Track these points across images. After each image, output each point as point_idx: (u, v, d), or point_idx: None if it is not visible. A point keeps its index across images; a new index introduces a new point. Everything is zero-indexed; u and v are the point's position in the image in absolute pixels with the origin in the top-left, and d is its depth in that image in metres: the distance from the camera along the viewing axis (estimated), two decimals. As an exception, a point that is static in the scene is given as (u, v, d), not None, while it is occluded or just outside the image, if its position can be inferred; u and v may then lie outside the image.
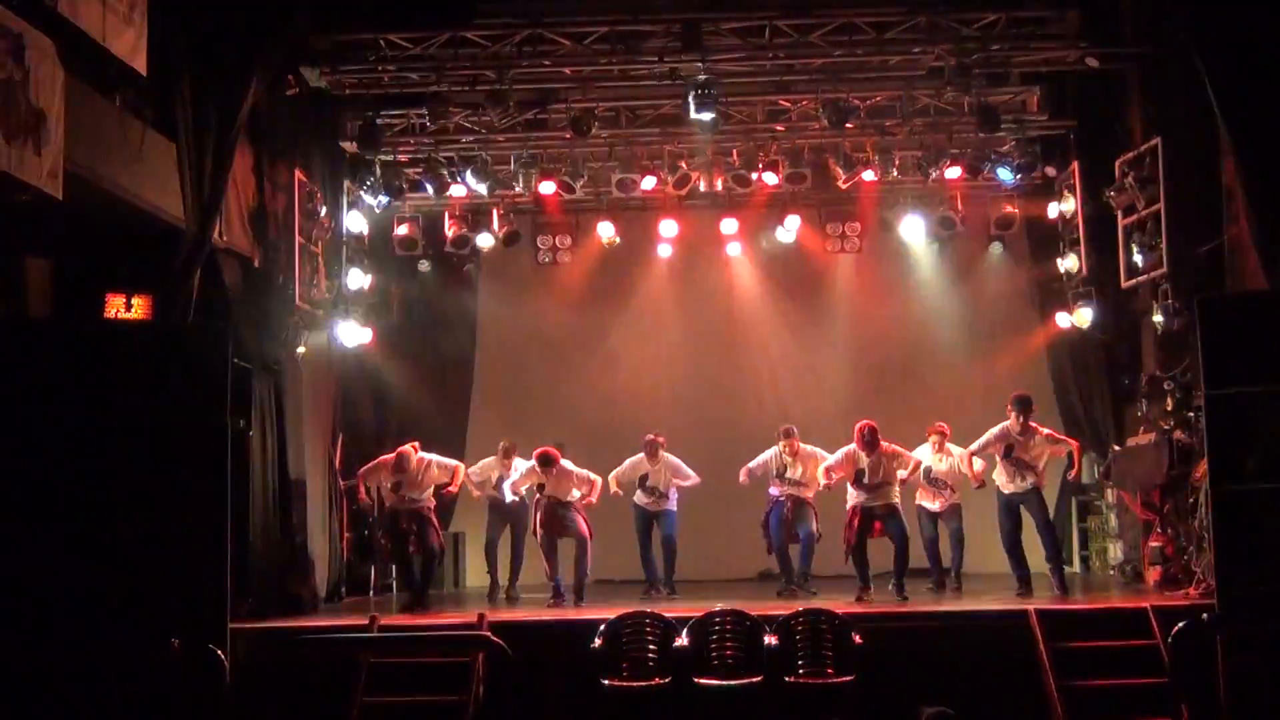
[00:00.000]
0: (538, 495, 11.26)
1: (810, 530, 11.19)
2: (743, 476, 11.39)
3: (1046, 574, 10.67)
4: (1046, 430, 10.88)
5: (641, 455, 11.63)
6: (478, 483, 11.89)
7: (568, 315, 14.22)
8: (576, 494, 11.10)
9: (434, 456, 11.31)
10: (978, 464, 10.93)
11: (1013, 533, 10.73)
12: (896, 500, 10.82)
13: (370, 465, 11.44)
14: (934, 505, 11.41)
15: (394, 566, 12.10)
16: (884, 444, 10.77)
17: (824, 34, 10.86)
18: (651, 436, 11.63)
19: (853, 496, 10.82)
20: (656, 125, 12.40)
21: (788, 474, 11.26)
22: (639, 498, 11.67)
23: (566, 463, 11.17)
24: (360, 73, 11.27)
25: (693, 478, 11.59)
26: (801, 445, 11.26)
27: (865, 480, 10.68)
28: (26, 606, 7.05)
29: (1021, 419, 10.61)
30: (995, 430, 10.76)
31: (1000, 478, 10.76)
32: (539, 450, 11.15)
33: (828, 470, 10.94)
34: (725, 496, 12.20)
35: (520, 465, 11.67)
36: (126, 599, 7.20)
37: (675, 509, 11.66)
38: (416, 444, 11.34)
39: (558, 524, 11.13)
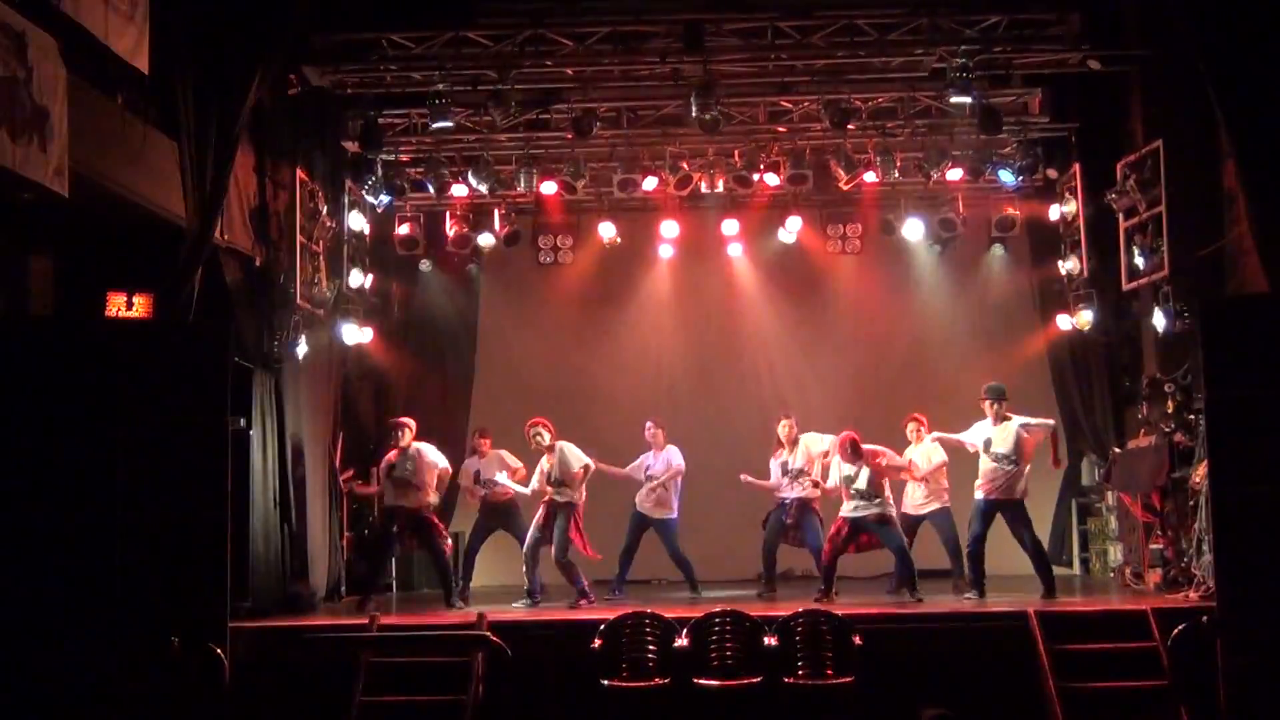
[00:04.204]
0: (545, 497, 11.02)
1: (818, 542, 11.11)
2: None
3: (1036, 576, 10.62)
4: (1021, 421, 10.64)
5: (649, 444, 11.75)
6: (464, 486, 11.79)
7: (568, 315, 14.22)
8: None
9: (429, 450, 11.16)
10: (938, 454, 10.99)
11: (981, 538, 10.58)
12: (890, 510, 10.71)
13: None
14: (914, 500, 11.33)
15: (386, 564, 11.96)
16: (867, 450, 10.67)
17: (826, 35, 10.84)
18: (652, 425, 11.72)
19: (845, 508, 10.75)
20: (658, 126, 12.39)
21: (790, 466, 11.28)
22: (641, 498, 11.65)
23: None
24: (362, 72, 11.27)
25: (674, 469, 11.61)
26: (801, 435, 11.29)
27: (856, 488, 10.61)
28: (26, 605, 7.06)
29: (997, 409, 10.56)
30: (975, 427, 10.71)
31: (978, 480, 10.61)
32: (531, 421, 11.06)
33: (819, 483, 11.04)
34: (725, 497, 12.22)
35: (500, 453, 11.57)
36: (126, 599, 7.22)
37: (675, 517, 11.62)
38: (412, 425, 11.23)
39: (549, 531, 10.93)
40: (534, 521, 11.05)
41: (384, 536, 11.40)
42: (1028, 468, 10.56)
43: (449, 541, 11.31)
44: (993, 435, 10.54)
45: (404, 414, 11.77)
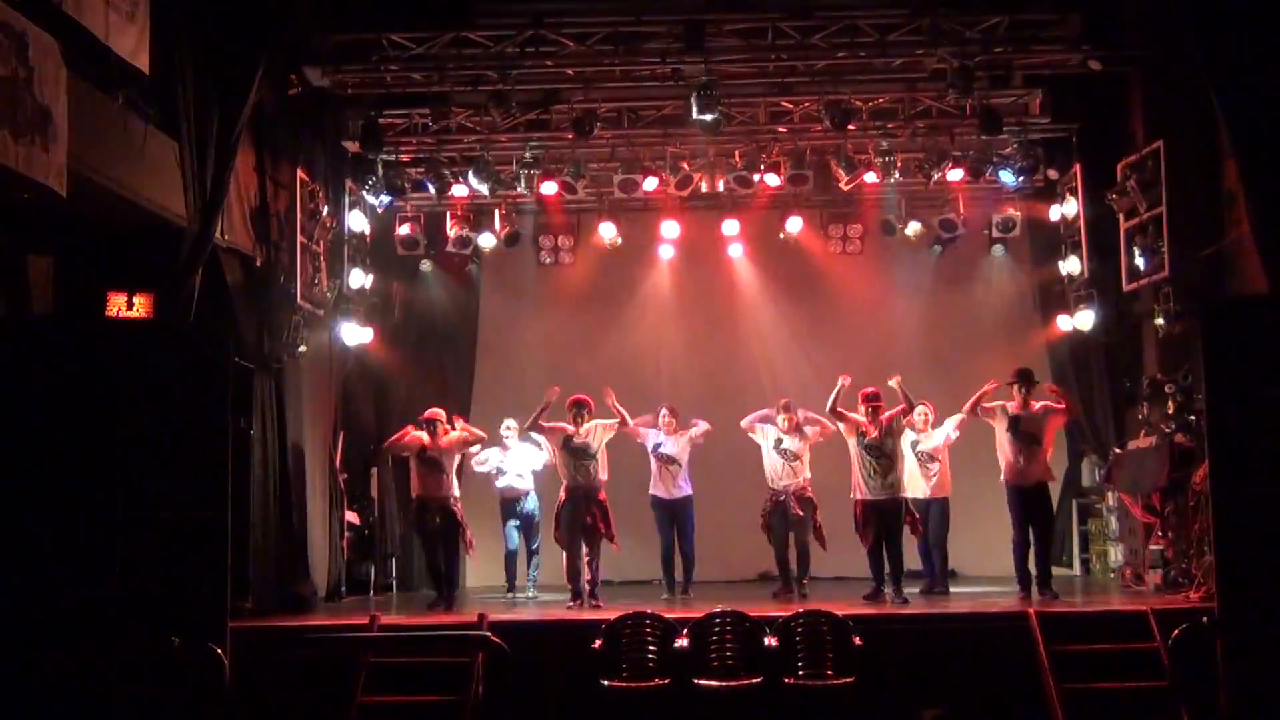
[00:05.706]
0: (562, 494, 10.78)
1: (805, 541, 11.16)
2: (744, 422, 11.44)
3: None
4: (1043, 403, 10.67)
5: (659, 428, 11.49)
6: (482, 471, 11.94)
7: (569, 316, 14.21)
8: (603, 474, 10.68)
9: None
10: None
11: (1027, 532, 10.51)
12: (903, 493, 10.73)
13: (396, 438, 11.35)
14: (923, 490, 11.26)
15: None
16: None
17: (826, 35, 10.85)
18: (667, 414, 11.45)
19: (857, 490, 10.77)
20: (658, 126, 12.40)
21: (784, 445, 11.20)
22: (655, 484, 11.44)
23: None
24: (363, 72, 11.27)
25: (700, 427, 11.52)
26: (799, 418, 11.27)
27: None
28: (27, 605, 7.06)
29: (1024, 394, 10.53)
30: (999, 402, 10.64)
31: (1003, 462, 10.58)
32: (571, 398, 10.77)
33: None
34: (725, 498, 12.20)
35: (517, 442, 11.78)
36: (126, 599, 7.21)
37: (691, 493, 11.45)
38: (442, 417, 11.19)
39: (584, 519, 10.57)
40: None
41: (420, 528, 11.22)
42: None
43: (471, 545, 11.21)
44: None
45: (404, 414, 11.81)
